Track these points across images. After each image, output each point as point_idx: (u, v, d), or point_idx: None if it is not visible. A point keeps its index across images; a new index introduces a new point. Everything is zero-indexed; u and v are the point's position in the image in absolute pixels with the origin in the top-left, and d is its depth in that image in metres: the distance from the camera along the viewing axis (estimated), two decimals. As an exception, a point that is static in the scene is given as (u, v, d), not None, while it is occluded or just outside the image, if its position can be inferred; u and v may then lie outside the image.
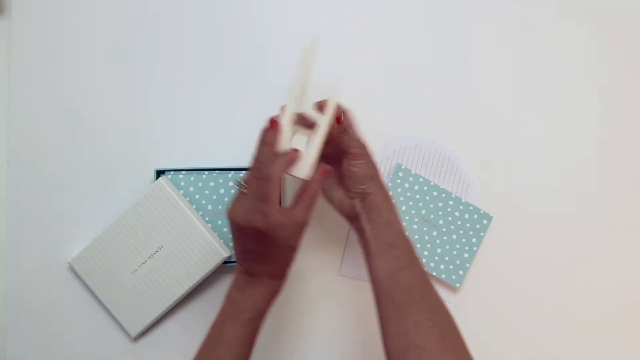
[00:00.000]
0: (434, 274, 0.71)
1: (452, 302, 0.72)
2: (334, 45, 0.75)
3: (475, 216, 0.72)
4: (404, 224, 0.66)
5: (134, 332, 0.68)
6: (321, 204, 0.74)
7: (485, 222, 0.72)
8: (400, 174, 0.72)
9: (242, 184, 0.53)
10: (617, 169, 0.76)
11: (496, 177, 0.75)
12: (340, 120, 0.58)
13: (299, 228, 0.53)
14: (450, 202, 0.72)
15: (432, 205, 0.72)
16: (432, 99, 0.76)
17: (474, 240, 0.72)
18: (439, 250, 0.71)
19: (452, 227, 0.72)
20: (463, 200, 0.72)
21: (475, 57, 0.77)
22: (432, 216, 0.72)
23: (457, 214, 0.72)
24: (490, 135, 0.76)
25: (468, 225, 0.72)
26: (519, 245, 0.74)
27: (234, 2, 0.74)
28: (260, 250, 0.54)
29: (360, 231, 0.59)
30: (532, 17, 0.78)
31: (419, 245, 0.71)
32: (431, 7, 0.77)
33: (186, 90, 0.74)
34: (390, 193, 0.61)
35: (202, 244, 0.67)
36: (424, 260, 0.71)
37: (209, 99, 0.73)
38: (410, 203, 0.72)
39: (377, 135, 0.74)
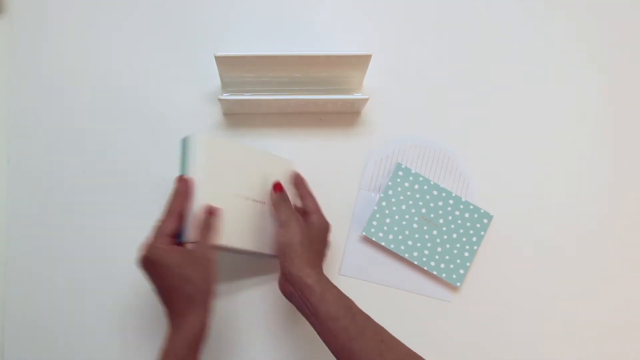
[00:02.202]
0: (435, 272, 0.71)
1: (452, 301, 0.72)
2: (334, 44, 0.75)
3: (476, 215, 0.72)
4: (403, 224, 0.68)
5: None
6: (319, 202, 0.74)
7: (485, 221, 0.72)
8: (400, 173, 0.72)
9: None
10: (618, 168, 0.76)
11: (496, 177, 0.75)
12: (278, 188, 0.63)
13: (187, 258, 0.54)
14: (451, 202, 0.72)
15: (432, 205, 0.72)
16: (433, 98, 0.76)
17: (474, 239, 0.72)
18: (439, 249, 0.71)
19: (452, 226, 0.71)
20: (463, 200, 0.72)
21: (475, 57, 0.77)
22: (432, 215, 0.71)
23: (457, 213, 0.72)
24: (490, 134, 0.76)
25: (468, 224, 0.72)
26: (518, 245, 0.74)
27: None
28: (156, 284, 0.55)
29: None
30: (531, 17, 0.78)
31: (419, 244, 0.71)
32: (431, 7, 0.77)
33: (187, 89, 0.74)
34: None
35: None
36: (424, 259, 0.71)
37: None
38: (410, 202, 0.71)
39: (377, 135, 0.74)
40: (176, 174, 0.60)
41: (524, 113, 0.76)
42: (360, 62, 0.67)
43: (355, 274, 0.73)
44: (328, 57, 0.66)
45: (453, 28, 0.77)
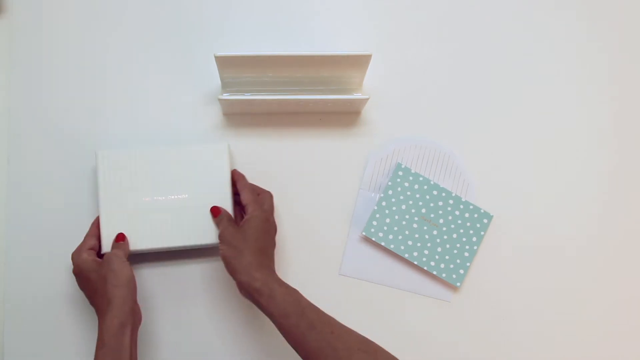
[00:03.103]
0: (434, 272, 0.71)
1: (452, 301, 0.72)
2: (334, 44, 0.75)
3: (476, 215, 0.72)
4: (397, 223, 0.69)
5: (107, 248, 0.68)
6: (319, 202, 0.74)
7: (485, 221, 0.72)
8: (400, 172, 0.72)
9: None
10: (618, 169, 0.76)
11: (496, 177, 0.75)
12: (215, 213, 0.67)
13: (100, 265, 0.63)
14: (451, 201, 0.72)
15: (432, 205, 0.71)
16: (433, 98, 0.76)
17: (474, 239, 0.72)
18: (439, 249, 0.71)
19: (452, 226, 0.71)
20: (463, 200, 0.72)
21: (475, 57, 0.77)
22: (432, 215, 0.71)
23: (457, 213, 0.72)
24: (490, 134, 0.76)
25: (468, 224, 0.72)
26: (518, 245, 0.74)
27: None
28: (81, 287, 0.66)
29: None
30: (531, 17, 0.78)
31: (419, 244, 0.71)
32: (431, 7, 0.77)
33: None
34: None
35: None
36: (424, 259, 0.71)
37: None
38: (410, 202, 0.71)
39: (377, 134, 0.74)
40: (169, 176, 0.62)
41: (524, 113, 0.76)
42: (360, 62, 0.67)
43: (355, 274, 0.73)
44: (328, 57, 0.66)
45: (453, 28, 0.77)
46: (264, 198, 0.68)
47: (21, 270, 0.70)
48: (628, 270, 0.74)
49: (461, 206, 0.72)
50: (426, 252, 0.71)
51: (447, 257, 0.71)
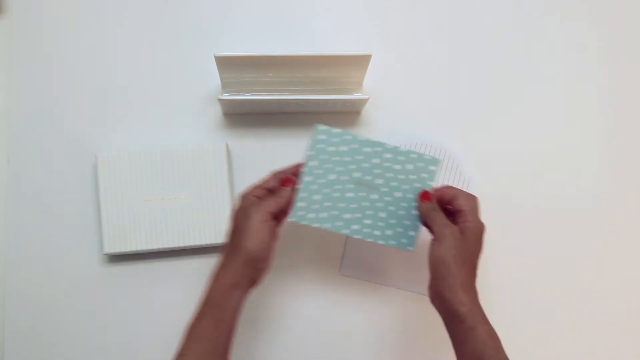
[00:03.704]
0: (381, 242, 0.61)
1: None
2: (334, 44, 0.75)
3: (420, 164, 0.61)
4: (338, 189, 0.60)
5: (108, 249, 0.68)
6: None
7: (432, 168, 0.61)
8: (321, 136, 0.60)
9: None
10: (619, 168, 0.76)
11: (497, 177, 0.75)
12: (426, 198, 0.60)
13: (262, 221, 0.57)
14: (388, 156, 0.61)
15: (365, 165, 0.60)
16: (433, 98, 0.76)
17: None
18: (382, 214, 0.61)
19: (393, 184, 0.61)
20: (402, 149, 0.61)
21: (475, 57, 0.77)
22: (368, 177, 0.61)
23: (397, 167, 0.61)
24: (491, 134, 0.76)
25: (413, 177, 0.61)
26: (519, 244, 0.74)
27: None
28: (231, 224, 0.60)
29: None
30: (530, 17, 0.78)
31: (358, 215, 0.60)
32: (431, 7, 0.77)
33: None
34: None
35: (219, 218, 0.69)
36: (366, 230, 0.61)
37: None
38: (340, 168, 0.60)
39: (377, 134, 0.74)
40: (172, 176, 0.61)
41: (524, 112, 0.76)
42: (360, 62, 0.67)
43: (355, 274, 0.73)
44: (328, 57, 0.66)
45: (453, 28, 0.77)
46: (478, 207, 0.59)
47: (21, 270, 0.71)
48: (629, 270, 0.74)
49: (401, 157, 0.61)
50: (368, 221, 0.61)
51: (392, 222, 0.61)
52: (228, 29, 0.76)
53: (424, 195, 0.60)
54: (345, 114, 0.75)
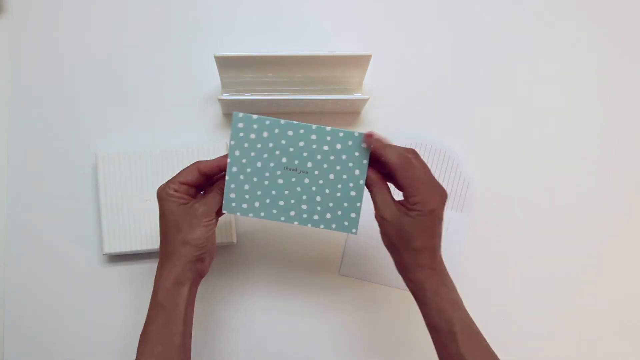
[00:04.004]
0: (322, 226, 0.59)
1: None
2: (334, 44, 0.75)
3: (350, 143, 0.57)
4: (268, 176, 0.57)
5: (108, 249, 0.68)
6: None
7: (364, 145, 0.57)
8: (241, 125, 0.57)
9: None
10: (619, 168, 0.76)
11: (497, 177, 0.75)
12: (368, 139, 0.56)
13: (185, 209, 0.56)
14: (313, 137, 0.57)
15: (292, 149, 0.57)
16: (433, 98, 0.76)
17: (356, 172, 0.58)
18: (318, 198, 0.58)
19: (325, 165, 0.58)
20: (328, 129, 0.57)
21: (475, 57, 0.77)
22: (296, 162, 0.58)
23: (325, 148, 0.58)
24: (491, 134, 0.76)
25: (344, 156, 0.58)
26: (519, 244, 0.74)
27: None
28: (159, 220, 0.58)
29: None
30: (530, 17, 0.78)
31: (292, 201, 0.58)
32: (431, 7, 0.77)
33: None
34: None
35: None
36: (304, 216, 0.58)
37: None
38: (265, 155, 0.57)
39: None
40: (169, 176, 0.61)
41: (524, 112, 0.76)
42: (360, 62, 0.67)
43: (355, 274, 0.73)
44: (328, 57, 0.66)
45: (453, 28, 0.78)
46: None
47: (21, 270, 0.71)
48: (621, 271, 0.74)
49: (328, 138, 0.57)
50: (304, 206, 0.58)
51: (331, 205, 0.58)
52: (228, 29, 0.76)
53: (367, 138, 0.56)
54: (345, 114, 0.75)
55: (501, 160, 0.76)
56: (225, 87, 0.71)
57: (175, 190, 0.56)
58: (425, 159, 0.73)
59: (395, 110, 0.75)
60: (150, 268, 0.71)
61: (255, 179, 0.58)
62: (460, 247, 0.73)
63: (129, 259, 0.71)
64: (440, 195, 0.54)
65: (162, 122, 0.73)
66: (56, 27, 0.74)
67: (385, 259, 0.73)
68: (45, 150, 0.72)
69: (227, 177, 0.57)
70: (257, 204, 0.58)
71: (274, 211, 0.58)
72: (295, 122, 0.57)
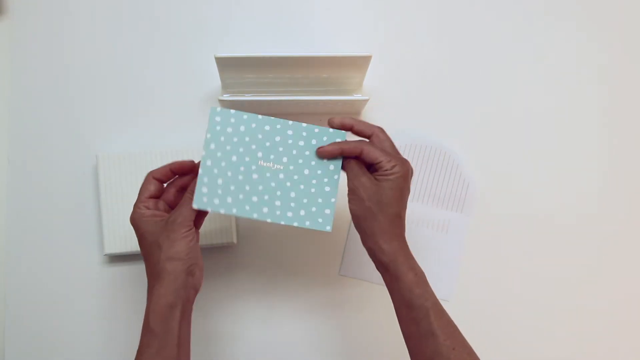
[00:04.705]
0: (296, 224, 0.57)
1: (452, 300, 0.72)
2: (334, 45, 0.75)
3: (325, 138, 0.58)
4: (241, 175, 0.56)
5: (109, 249, 0.68)
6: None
7: (339, 140, 0.58)
8: (218, 118, 0.56)
9: None
10: (619, 168, 0.76)
11: (497, 178, 0.75)
12: (336, 124, 0.59)
13: (162, 225, 0.54)
14: (290, 132, 0.58)
15: (268, 144, 0.57)
16: (433, 99, 0.76)
17: (331, 167, 0.58)
18: (292, 194, 0.57)
19: (300, 161, 0.58)
20: (304, 125, 0.58)
21: (476, 57, 0.77)
22: (272, 157, 0.57)
23: (301, 143, 0.58)
24: (491, 134, 0.76)
25: (316, 144, 0.58)
26: (519, 245, 0.74)
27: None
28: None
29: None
30: (530, 16, 0.78)
31: (266, 197, 0.56)
32: (431, 7, 0.77)
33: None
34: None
35: (219, 218, 0.69)
36: (278, 212, 0.57)
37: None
38: (241, 149, 0.57)
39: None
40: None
41: (525, 112, 0.76)
42: (360, 62, 0.67)
43: (355, 274, 0.73)
44: (328, 58, 0.66)
45: (453, 28, 0.78)
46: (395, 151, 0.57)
47: (22, 271, 0.71)
48: (620, 272, 0.75)
49: (304, 133, 0.58)
50: (278, 202, 0.57)
51: (305, 201, 0.57)
52: (228, 30, 0.76)
53: (324, 152, 0.57)
54: (345, 115, 0.75)
55: (501, 161, 0.76)
56: (225, 87, 0.71)
57: (147, 208, 0.55)
58: (425, 159, 0.74)
59: (395, 111, 0.75)
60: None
61: (229, 174, 0.56)
62: (460, 247, 0.73)
63: (129, 259, 0.71)
64: (409, 164, 0.56)
65: (162, 123, 0.73)
66: (56, 27, 0.74)
67: (385, 259, 0.73)
68: (46, 150, 0.72)
69: (200, 171, 0.55)
70: (229, 200, 0.55)
71: (247, 207, 0.56)
72: (272, 117, 0.57)
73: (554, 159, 0.76)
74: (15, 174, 0.72)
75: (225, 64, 0.66)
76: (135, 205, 0.56)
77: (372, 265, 0.72)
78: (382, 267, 0.55)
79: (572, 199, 0.75)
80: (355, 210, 0.55)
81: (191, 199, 0.53)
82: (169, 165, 0.57)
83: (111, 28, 0.75)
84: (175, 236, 0.52)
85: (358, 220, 0.55)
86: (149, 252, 0.54)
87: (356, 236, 0.72)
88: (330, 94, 0.71)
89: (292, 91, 0.71)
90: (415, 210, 0.74)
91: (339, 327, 0.72)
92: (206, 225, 0.69)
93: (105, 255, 0.69)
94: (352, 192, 0.55)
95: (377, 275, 0.72)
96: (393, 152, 0.57)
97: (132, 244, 0.69)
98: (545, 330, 0.73)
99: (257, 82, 0.70)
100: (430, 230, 0.74)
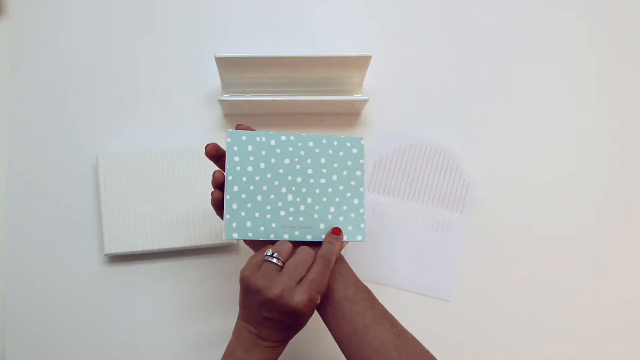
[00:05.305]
0: (323, 237, 0.57)
1: (452, 301, 0.72)
2: (334, 45, 0.75)
3: (348, 144, 0.59)
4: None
5: (109, 249, 0.68)
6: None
7: (355, 150, 0.59)
8: (235, 148, 0.56)
9: (278, 257, 0.53)
10: (620, 168, 0.76)
11: (497, 178, 0.75)
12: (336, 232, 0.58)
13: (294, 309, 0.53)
14: (310, 144, 0.58)
15: (288, 162, 0.57)
16: (433, 99, 0.76)
17: (357, 173, 0.58)
18: (317, 207, 0.57)
19: (323, 170, 0.58)
20: (322, 136, 0.58)
21: (475, 57, 0.77)
22: (297, 171, 0.57)
23: (322, 157, 0.58)
24: (491, 134, 0.76)
25: (336, 165, 0.58)
26: (520, 245, 0.74)
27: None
28: (286, 322, 0.53)
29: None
30: (530, 16, 0.78)
31: (290, 219, 0.57)
32: (431, 8, 0.77)
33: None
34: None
35: (218, 219, 0.68)
36: (309, 236, 0.57)
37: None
38: (269, 176, 0.56)
39: (377, 135, 0.74)
40: (173, 177, 0.60)
41: (525, 112, 0.76)
42: (360, 62, 0.67)
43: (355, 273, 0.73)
44: (328, 58, 0.66)
45: (453, 28, 0.78)
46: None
47: (22, 271, 0.71)
48: (621, 273, 0.75)
49: (324, 142, 0.58)
50: (304, 219, 0.57)
51: (332, 210, 0.58)
52: (228, 30, 0.76)
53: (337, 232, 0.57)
54: (345, 115, 0.75)
55: (501, 161, 0.76)
56: (225, 87, 0.71)
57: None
58: (425, 159, 0.74)
59: (395, 111, 0.75)
60: (150, 268, 0.71)
61: (259, 198, 0.56)
62: (460, 247, 0.73)
63: (129, 259, 0.71)
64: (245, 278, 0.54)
65: (162, 123, 0.73)
66: (56, 27, 0.74)
67: (385, 259, 0.73)
68: (46, 150, 0.72)
69: (227, 197, 0.55)
70: (262, 229, 0.56)
71: (278, 229, 0.56)
72: (289, 133, 0.57)
73: (554, 159, 0.76)
74: (15, 174, 0.72)
75: (225, 64, 0.66)
76: (312, 291, 0.52)
77: (372, 265, 0.73)
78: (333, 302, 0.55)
79: (572, 199, 0.75)
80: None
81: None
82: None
83: (111, 28, 0.75)
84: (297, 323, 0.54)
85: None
86: (301, 325, 0.54)
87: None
88: (330, 94, 0.71)
89: (292, 91, 0.71)
90: (416, 210, 0.74)
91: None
92: (206, 225, 0.69)
93: (105, 255, 0.69)
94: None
95: (377, 275, 0.73)
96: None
97: (132, 244, 0.69)
98: (545, 330, 0.73)
99: (257, 82, 0.70)
100: (430, 230, 0.74)
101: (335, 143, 0.58)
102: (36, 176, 0.72)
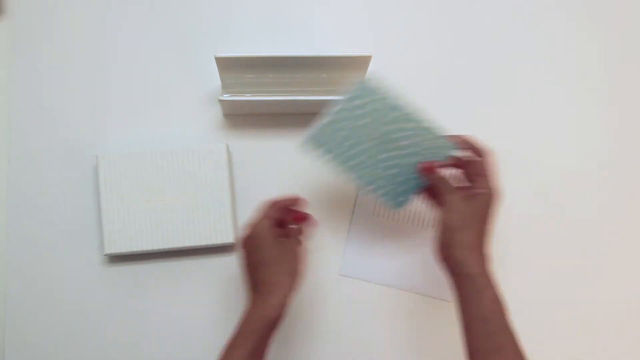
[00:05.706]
0: (380, 192, 0.64)
1: (452, 301, 0.72)
2: (334, 45, 0.75)
3: (438, 143, 0.64)
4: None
5: (109, 249, 0.68)
6: (319, 202, 0.74)
7: (445, 152, 0.64)
8: (359, 91, 0.62)
9: None
10: (621, 167, 0.76)
11: (496, 176, 0.75)
12: (428, 171, 0.62)
13: (282, 245, 0.59)
14: (411, 125, 0.64)
15: (392, 126, 0.63)
16: (433, 99, 0.76)
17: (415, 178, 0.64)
18: (392, 171, 0.64)
19: (414, 148, 0.64)
20: (427, 125, 0.64)
21: (475, 57, 0.77)
22: (394, 135, 0.63)
23: (418, 136, 0.63)
24: (491, 134, 0.76)
25: (430, 151, 0.64)
26: (525, 244, 0.74)
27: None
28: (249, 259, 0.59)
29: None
30: (530, 16, 0.78)
31: (372, 168, 0.63)
32: (431, 8, 0.78)
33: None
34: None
35: (219, 218, 0.69)
36: (372, 179, 0.63)
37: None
38: (368, 120, 0.62)
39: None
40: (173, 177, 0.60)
41: (525, 112, 0.77)
42: (361, 62, 0.67)
43: (355, 274, 0.73)
44: (328, 58, 0.66)
45: (453, 28, 0.78)
46: (492, 174, 0.60)
47: (22, 271, 0.71)
48: (629, 275, 0.75)
49: (425, 125, 0.64)
50: (375, 172, 0.63)
51: (399, 179, 0.64)
52: (228, 30, 0.76)
53: (425, 170, 0.62)
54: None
55: (501, 161, 0.76)
56: (225, 87, 0.71)
57: (269, 223, 0.60)
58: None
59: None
60: (150, 268, 0.71)
61: (350, 136, 0.62)
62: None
63: (129, 259, 0.71)
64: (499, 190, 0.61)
65: (162, 123, 0.73)
66: (56, 27, 0.74)
67: (385, 259, 0.73)
68: (46, 150, 0.72)
69: (328, 118, 0.62)
70: (340, 157, 0.63)
71: (349, 165, 0.62)
72: (403, 105, 0.62)
73: (554, 159, 0.76)
74: (15, 174, 0.72)
75: (225, 64, 0.66)
76: (259, 219, 0.59)
77: (372, 265, 0.73)
78: (465, 279, 0.56)
79: (573, 197, 0.75)
80: (450, 221, 0.57)
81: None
82: (290, 200, 0.62)
83: (111, 28, 0.75)
84: (296, 256, 0.60)
85: (450, 232, 0.57)
86: (260, 264, 0.58)
87: (356, 236, 0.73)
88: (330, 94, 0.71)
89: (292, 91, 0.71)
90: (416, 210, 0.74)
91: (338, 327, 0.72)
92: (206, 225, 0.69)
93: (105, 255, 0.69)
94: (447, 204, 0.58)
95: (377, 275, 0.73)
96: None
97: (132, 244, 0.69)
98: (546, 330, 0.73)
99: (257, 82, 0.70)
100: (430, 230, 0.74)
101: (430, 135, 0.63)
102: (36, 176, 0.72)
